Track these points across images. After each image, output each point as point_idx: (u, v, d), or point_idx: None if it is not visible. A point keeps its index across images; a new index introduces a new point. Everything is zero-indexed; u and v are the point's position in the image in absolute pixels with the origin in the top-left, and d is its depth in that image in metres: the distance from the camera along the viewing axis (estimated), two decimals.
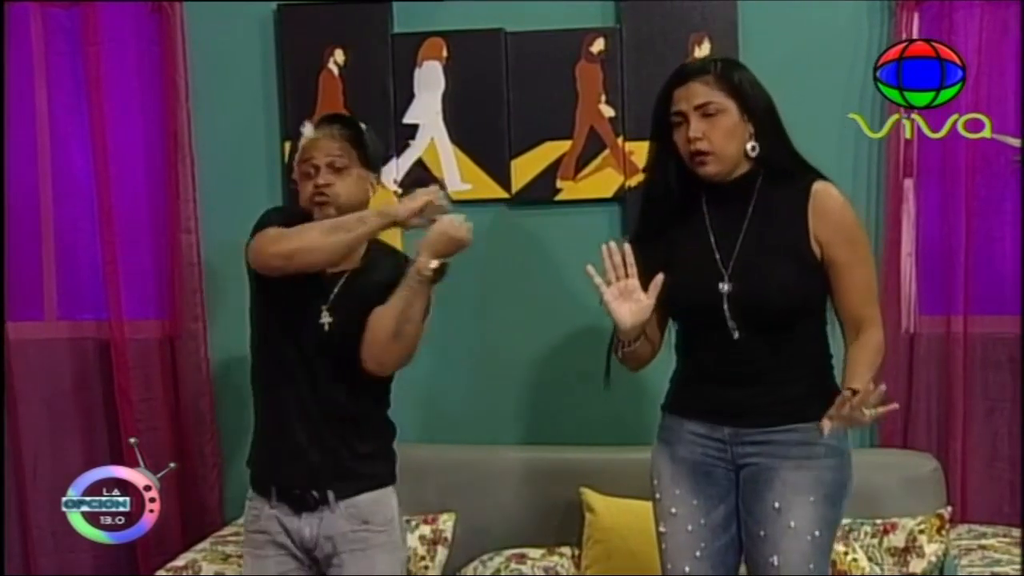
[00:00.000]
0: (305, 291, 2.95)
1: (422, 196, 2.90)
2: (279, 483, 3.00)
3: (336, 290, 2.98)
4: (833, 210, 2.76)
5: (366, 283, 2.99)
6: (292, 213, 3.03)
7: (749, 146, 2.78)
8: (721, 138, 2.75)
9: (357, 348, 2.96)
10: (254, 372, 3.06)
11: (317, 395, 2.98)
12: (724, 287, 2.78)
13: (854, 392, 2.54)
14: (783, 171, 2.79)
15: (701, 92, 2.76)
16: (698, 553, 2.87)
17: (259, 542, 3.02)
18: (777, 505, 2.77)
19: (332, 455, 2.99)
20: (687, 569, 2.88)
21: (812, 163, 2.85)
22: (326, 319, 2.96)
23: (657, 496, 2.95)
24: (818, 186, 2.77)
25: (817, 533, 2.76)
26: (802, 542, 2.75)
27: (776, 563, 2.76)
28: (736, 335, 2.78)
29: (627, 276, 2.79)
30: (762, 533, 2.79)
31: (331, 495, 2.99)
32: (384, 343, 2.94)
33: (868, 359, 2.72)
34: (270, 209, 3.11)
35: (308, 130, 3.05)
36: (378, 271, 3.01)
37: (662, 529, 2.93)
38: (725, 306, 2.78)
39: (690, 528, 2.88)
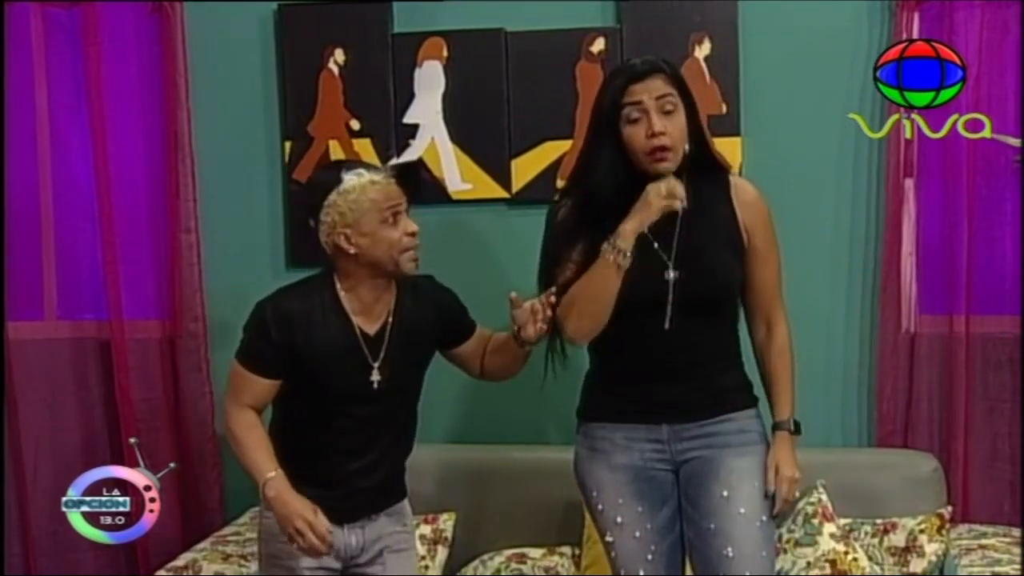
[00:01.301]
0: (350, 359, 2.97)
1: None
2: (333, 511, 2.97)
3: (383, 351, 2.99)
4: (753, 200, 2.92)
5: (408, 333, 3.03)
6: (288, 316, 2.95)
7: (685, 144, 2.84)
8: (678, 134, 2.81)
9: (409, 394, 3.12)
10: (288, 419, 3.05)
11: (374, 441, 3.04)
12: (671, 275, 2.83)
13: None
14: (706, 166, 2.89)
15: (660, 87, 2.80)
16: (649, 556, 2.90)
17: (293, 554, 2.97)
18: (725, 493, 2.82)
19: (388, 484, 3.14)
20: (641, 573, 2.90)
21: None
22: (375, 377, 2.98)
23: (599, 507, 2.96)
24: (734, 178, 2.96)
25: (764, 518, 2.83)
26: (752, 528, 2.81)
27: (730, 554, 2.79)
28: (668, 324, 2.83)
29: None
30: (712, 526, 2.82)
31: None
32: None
33: (789, 371, 2.93)
34: (263, 312, 2.97)
35: (366, 174, 2.91)
36: (413, 314, 3.05)
37: (609, 539, 2.95)
38: (670, 295, 2.83)
39: (638, 534, 2.90)
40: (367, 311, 2.98)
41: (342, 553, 3.05)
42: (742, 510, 2.80)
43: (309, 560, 2.97)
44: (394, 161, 3.02)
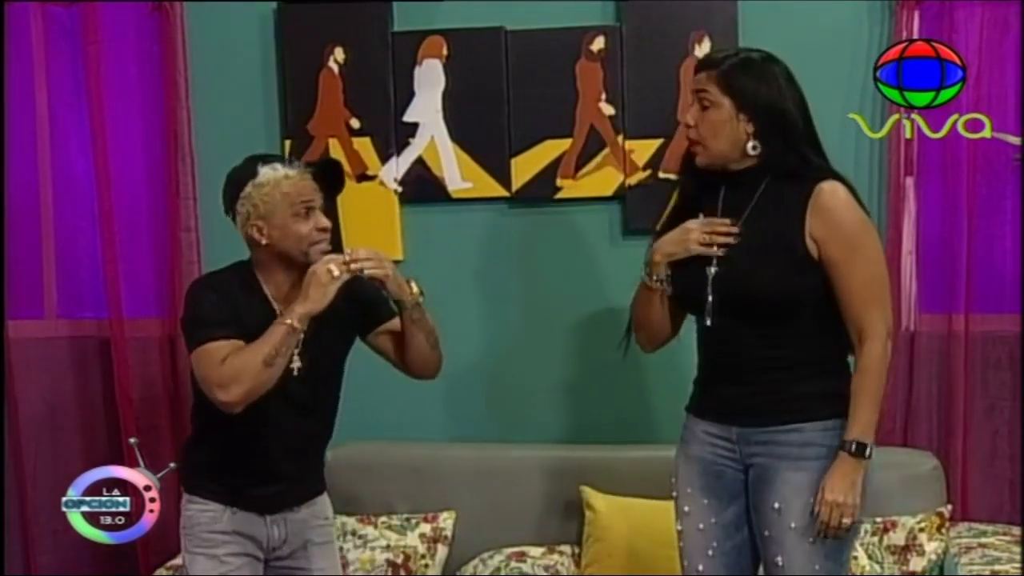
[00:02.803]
0: None
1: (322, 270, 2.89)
2: (256, 499, 3.05)
3: (302, 337, 2.96)
4: (831, 208, 2.76)
5: (327, 320, 2.98)
6: (222, 290, 3.00)
7: (750, 145, 2.80)
8: (707, 130, 2.82)
9: (329, 380, 3.12)
10: (209, 404, 2.98)
11: (295, 426, 3.06)
12: (711, 270, 2.83)
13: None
14: (790, 171, 2.80)
15: (700, 81, 2.84)
16: (710, 552, 2.91)
17: (217, 542, 3.04)
18: (777, 506, 2.78)
19: (308, 473, 3.18)
20: (700, 568, 2.92)
21: (833, 166, 2.87)
22: (295, 364, 2.96)
23: (674, 494, 2.99)
24: (823, 185, 2.78)
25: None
26: (804, 543, 2.75)
27: (780, 563, 2.78)
28: (710, 321, 2.84)
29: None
30: (767, 533, 2.81)
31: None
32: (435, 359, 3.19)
33: (868, 391, 2.75)
34: (198, 295, 3.03)
35: (280, 168, 2.97)
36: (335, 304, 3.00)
37: (678, 527, 2.98)
38: (709, 288, 2.83)
39: (701, 527, 2.92)
40: (285, 299, 2.99)
41: (264, 544, 3.09)
42: (793, 524, 2.76)
43: (232, 546, 3.03)
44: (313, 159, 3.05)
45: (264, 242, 2.96)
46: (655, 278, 2.91)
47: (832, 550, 2.77)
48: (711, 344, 2.91)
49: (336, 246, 3.02)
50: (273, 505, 3.08)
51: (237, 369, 2.82)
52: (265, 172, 2.95)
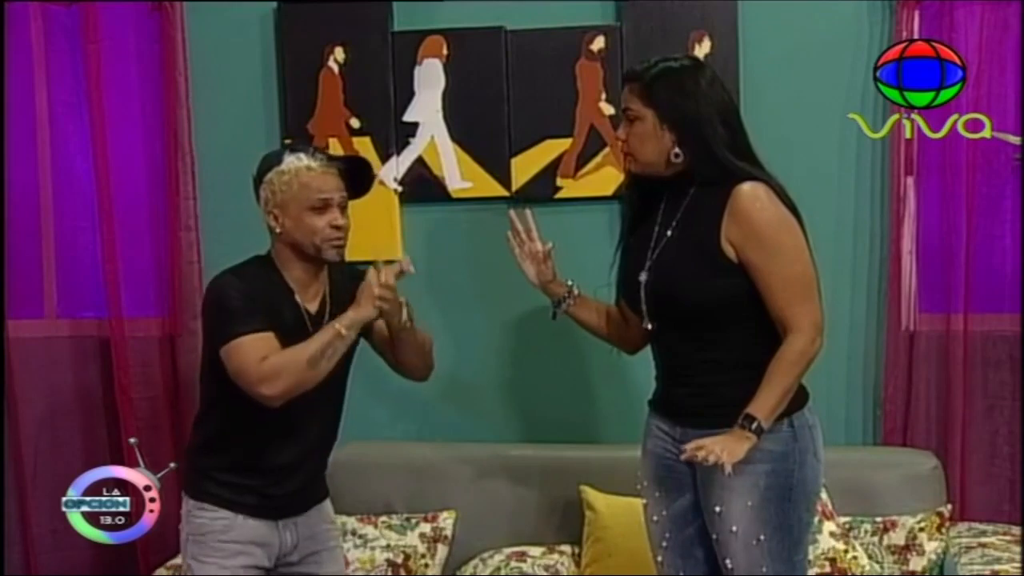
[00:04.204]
0: (295, 337, 2.93)
1: (373, 281, 2.90)
2: (271, 503, 3.04)
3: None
4: (745, 209, 2.77)
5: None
6: (247, 282, 2.96)
7: (673, 153, 2.84)
8: (634, 142, 2.88)
9: (340, 380, 3.08)
10: (221, 405, 3.01)
11: (309, 426, 3.05)
12: (643, 276, 2.90)
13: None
14: (713, 177, 2.82)
15: (626, 97, 2.91)
16: (664, 543, 3.00)
17: (231, 552, 3.01)
18: (718, 509, 2.83)
19: (316, 476, 3.18)
20: (659, 559, 3.02)
21: (761, 165, 2.88)
22: None
23: (638, 487, 3.09)
24: (740, 187, 2.78)
25: (762, 537, 2.79)
26: (748, 547, 2.80)
27: (729, 566, 2.83)
28: (649, 325, 2.92)
29: (531, 241, 3.22)
30: (714, 537, 2.86)
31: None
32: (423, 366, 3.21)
33: (778, 381, 2.73)
34: (225, 288, 2.96)
35: (304, 159, 2.95)
36: (344, 296, 3.01)
37: (644, 519, 3.08)
38: (642, 295, 2.90)
39: (655, 519, 3.02)
40: (304, 289, 3.00)
41: (276, 550, 3.07)
42: (734, 528, 2.80)
43: (245, 558, 3.00)
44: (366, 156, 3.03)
45: (278, 231, 2.96)
46: (557, 306, 3.24)
47: (779, 550, 2.80)
48: (655, 346, 3.02)
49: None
50: (287, 508, 3.07)
51: (279, 366, 2.81)
52: (289, 160, 2.94)
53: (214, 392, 3.02)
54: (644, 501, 3.06)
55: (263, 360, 2.82)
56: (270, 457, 3.01)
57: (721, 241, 2.78)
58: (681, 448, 2.79)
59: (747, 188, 2.77)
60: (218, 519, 3.02)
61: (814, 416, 2.90)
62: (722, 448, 2.64)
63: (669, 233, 2.88)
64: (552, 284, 3.23)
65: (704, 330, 2.83)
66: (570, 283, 3.23)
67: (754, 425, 2.68)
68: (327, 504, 3.23)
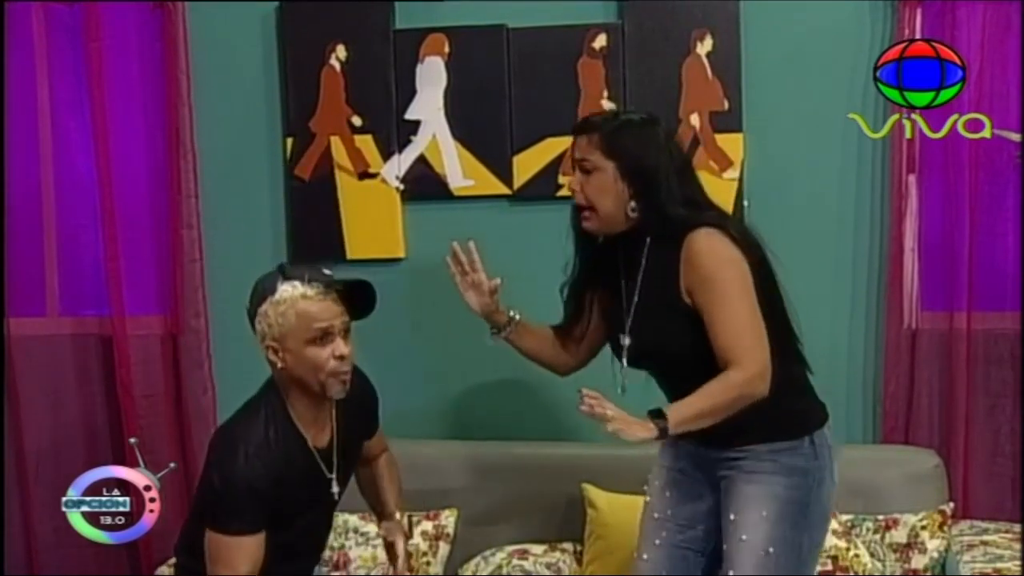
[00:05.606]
0: (311, 478, 2.89)
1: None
2: None
3: (335, 461, 2.93)
4: (691, 257, 2.77)
5: (350, 438, 3.00)
6: (258, 456, 2.76)
7: (629, 207, 2.84)
8: (594, 193, 2.86)
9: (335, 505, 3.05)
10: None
11: (326, 527, 3.09)
12: (624, 340, 2.92)
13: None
14: (667, 230, 2.82)
15: (582, 147, 2.88)
16: (657, 541, 3.01)
17: None
18: (732, 517, 2.84)
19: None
20: (645, 556, 3.02)
21: (716, 209, 2.92)
22: (335, 488, 2.94)
23: (645, 488, 3.11)
24: (691, 235, 2.77)
25: (771, 550, 2.80)
26: (755, 557, 2.80)
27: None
28: (625, 380, 2.96)
29: (474, 271, 3.22)
30: (724, 547, 2.86)
31: None
32: None
33: (707, 394, 2.71)
34: (233, 471, 2.73)
35: (299, 287, 2.76)
36: (352, 418, 3.01)
37: (640, 516, 3.09)
38: (626, 355, 2.92)
39: (656, 515, 3.03)
40: (312, 425, 2.87)
41: None
42: (744, 536, 2.81)
43: None
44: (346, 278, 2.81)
45: (280, 365, 2.79)
46: (498, 333, 3.27)
47: (785, 566, 2.80)
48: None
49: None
50: None
51: None
52: (283, 289, 2.75)
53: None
54: (647, 499, 3.07)
55: (240, 565, 2.69)
56: (288, 560, 2.92)
57: (682, 293, 2.79)
58: (697, 456, 2.91)
59: (697, 235, 2.77)
60: None
61: (830, 436, 2.92)
62: (624, 420, 2.62)
63: (637, 298, 2.89)
64: (495, 314, 3.23)
65: (695, 373, 2.76)
66: (512, 312, 3.24)
67: (661, 424, 2.65)
68: None
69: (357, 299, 2.83)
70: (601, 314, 3.11)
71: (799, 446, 2.83)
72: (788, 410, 2.84)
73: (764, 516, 2.79)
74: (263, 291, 2.79)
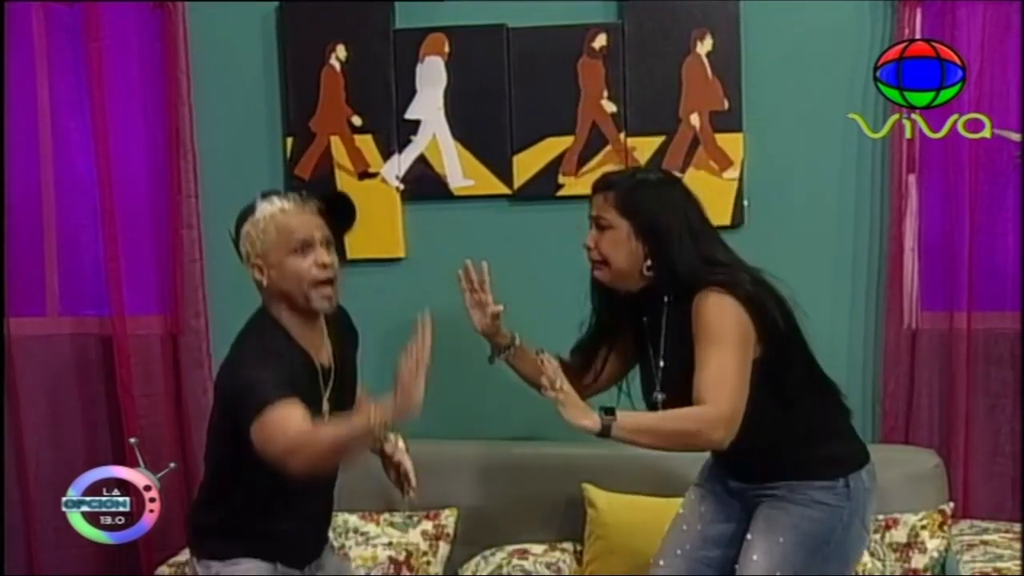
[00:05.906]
0: (311, 395, 2.82)
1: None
2: (296, 553, 2.96)
3: (331, 383, 2.90)
4: (696, 313, 2.78)
5: (345, 362, 2.97)
6: (265, 347, 2.78)
7: (645, 265, 2.86)
8: (608, 248, 2.89)
9: None
10: (238, 467, 2.80)
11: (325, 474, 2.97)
12: (658, 396, 2.93)
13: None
14: (680, 289, 2.83)
15: (598, 205, 2.92)
16: (679, 552, 3.03)
17: None
18: (750, 537, 2.87)
19: (328, 512, 3.13)
20: (662, 563, 3.04)
21: (735, 262, 2.91)
22: (325, 408, 2.86)
23: (684, 499, 3.14)
24: (702, 294, 2.78)
25: (779, 574, 2.81)
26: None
27: None
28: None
29: (482, 291, 3.22)
30: (736, 566, 2.89)
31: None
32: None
33: (668, 417, 2.78)
34: (246, 357, 2.78)
35: (277, 202, 2.81)
36: (344, 344, 2.99)
37: (670, 523, 3.11)
38: (662, 408, 2.90)
39: (685, 527, 3.05)
40: (311, 344, 2.85)
41: None
42: (755, 557, 2.83)
43: None
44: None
45: (265, 283, 2.80)
46: (498, 354, 3.27)
47: None
48: None
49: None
50: (310, 554, 3.01)
51: (302, 444, 2.57)
52: (262, 207, 2.80)
53: (221, 452, 2.89)
54: (681, 511, 3.10)
55: (287, 431, 2.59)
56: (287, 508, 2.89)
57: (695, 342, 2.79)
58: (736, 487, 2.97)
59: (707, 296, 2.77)
60: (256, 568, 2.88)
61: (873, 481, 2.94)
62: (570, 399, 2.70)
63: (663, 363, 2.91)
64: (496, 336, 3.24)
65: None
66: (513, 335, 3.25)
67: (608, 420, 2.67)
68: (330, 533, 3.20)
69: (336, 212, 2.87)
70: (620, 364, 3.16)
71: (833, 485, 2.85)
72: (825, 454, 2.89)
73: (781, 542, 2.82)
74: (244, 214, 2.84)
